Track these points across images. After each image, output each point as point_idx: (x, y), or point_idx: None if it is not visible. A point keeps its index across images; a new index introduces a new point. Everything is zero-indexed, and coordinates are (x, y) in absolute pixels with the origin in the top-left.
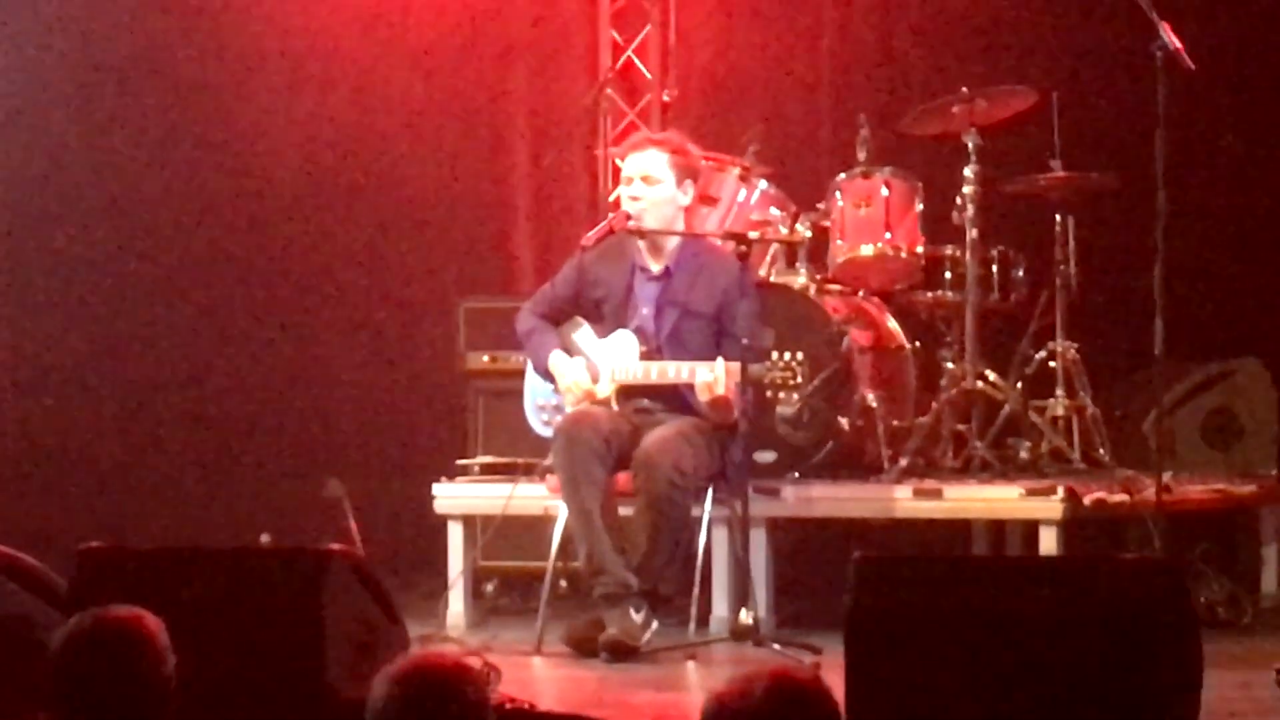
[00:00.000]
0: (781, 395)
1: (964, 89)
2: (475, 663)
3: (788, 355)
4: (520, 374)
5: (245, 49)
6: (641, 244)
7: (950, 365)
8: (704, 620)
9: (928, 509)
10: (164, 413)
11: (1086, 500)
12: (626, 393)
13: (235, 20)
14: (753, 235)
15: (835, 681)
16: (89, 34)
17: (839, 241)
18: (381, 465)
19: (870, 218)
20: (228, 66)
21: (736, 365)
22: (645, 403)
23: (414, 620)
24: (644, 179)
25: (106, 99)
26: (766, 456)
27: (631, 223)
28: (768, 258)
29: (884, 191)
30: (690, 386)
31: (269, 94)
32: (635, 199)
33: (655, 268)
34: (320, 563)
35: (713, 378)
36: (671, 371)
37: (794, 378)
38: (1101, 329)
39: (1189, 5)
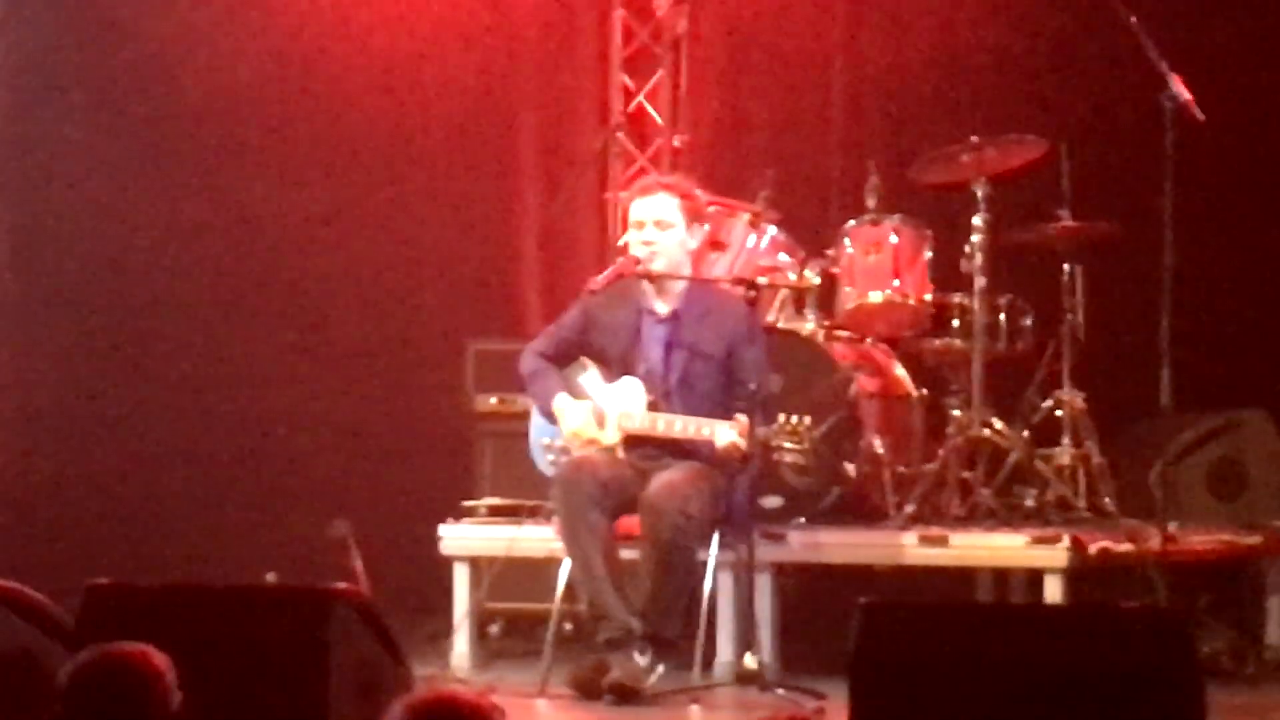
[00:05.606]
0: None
1: (973, 138)
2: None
3: (795, 419)
4: (528, 416)
5: (257, 87)
6: (649, 287)
7: (957, 413)
8: (708, 664)
9: (933, 556)
10: (172, 450)
11: (1091, 549)
12: (631, 441)
13: (246, 56)
14: (761, 281)
15: None
16: (84, 69)
17: (847, 288)
18: (388, 505)
19: (879, 265)
20: (234, 103)
21: (746, 422)
22: (650, 449)
23: (419, 661)
24: (657, 224)
25: (101, 133)
26: (773, 502)
27: (640, 266)
28: (776, 303)
29: (893, 239)
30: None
31: (276, 131)
32: (649, 243)
33: (663, 310)
34: (325, 602)
35: (734, 437)
36: (679, 426)
37: (801, 442)
38: (1108, 378)
39: (1199, 57)
